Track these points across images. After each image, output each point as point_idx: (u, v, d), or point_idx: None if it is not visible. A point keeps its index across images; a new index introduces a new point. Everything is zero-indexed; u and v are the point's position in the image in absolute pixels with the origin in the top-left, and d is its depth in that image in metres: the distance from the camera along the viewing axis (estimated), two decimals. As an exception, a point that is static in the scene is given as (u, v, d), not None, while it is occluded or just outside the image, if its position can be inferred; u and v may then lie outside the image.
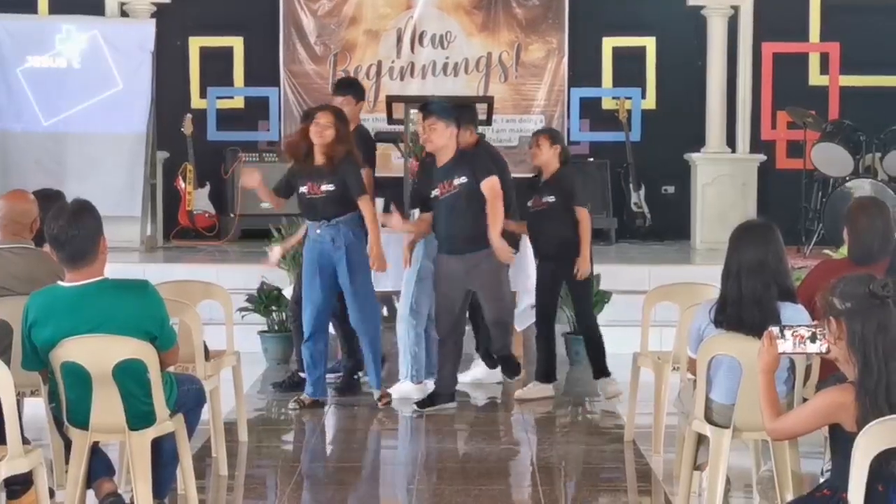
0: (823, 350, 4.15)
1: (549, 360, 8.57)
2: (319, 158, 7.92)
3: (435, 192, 7.94)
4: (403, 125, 10.18)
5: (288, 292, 9.32)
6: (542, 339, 8.53)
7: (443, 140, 7.89)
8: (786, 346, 4.21)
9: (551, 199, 8.32)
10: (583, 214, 8.36)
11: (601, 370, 8.46)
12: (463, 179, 7.89)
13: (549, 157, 8.39)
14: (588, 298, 8.57)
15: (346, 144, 7.96)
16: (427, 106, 8.13)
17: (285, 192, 8.21)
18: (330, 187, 7.90)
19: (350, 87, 9.10)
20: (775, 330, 4.24)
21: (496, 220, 7.88)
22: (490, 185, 7.89)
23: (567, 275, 8.41)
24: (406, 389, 8.38)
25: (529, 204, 8.42)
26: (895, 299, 4.00)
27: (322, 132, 7.87)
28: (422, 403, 8.11)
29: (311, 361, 8.14)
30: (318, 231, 7.98)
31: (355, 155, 8.03)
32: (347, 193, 7.91)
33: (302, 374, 8.58)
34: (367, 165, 8.60)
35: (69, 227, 5.07)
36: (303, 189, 7.96)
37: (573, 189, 8.37)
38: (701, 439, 5.58)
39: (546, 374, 8.54)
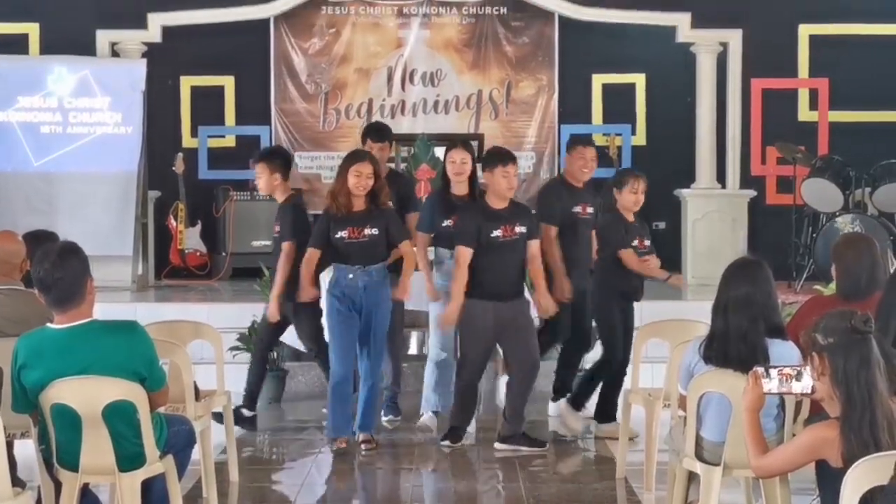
0: (808, 390, 4.16)
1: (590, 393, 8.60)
2: (360, 204, 7.95)
3: (496, 233, 7.96)
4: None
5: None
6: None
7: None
8: (771, 385, 4.23)
9: (648, 242, 8.40)
10: None
11: (610, 415, 8.42)
12: (523, 229, 8.01)
13: None
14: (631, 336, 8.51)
15: (385, 188, 8.06)
16: (509, 153, 8.25)
17: (325, 242, 8.07)
18: (374, 231, 7.93)
19: (388, 134, 9.20)
20: (760, 369, 4.25)
21: (542, 278, 8.15)
22: (538, 247, 8.14)
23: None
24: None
25: (636, 244, 8.36)
26: (877, 334, 4.03)
27: (367, 183, 7.91)
28: (454, 439, 8.17)
29: (341, 402, 8.03)
30: (351, 276, 7.95)
31: (388, 196, 8.15)
32: (387, 238, 7.97)
33: (245, 412, 8.52)
34: (411, 208, 8.79)
35: (55, 269, 5.07)
36: (341, 234, 7.91)
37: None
38: (692, 476, 5.59)
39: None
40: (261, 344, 8.87)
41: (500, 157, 8.15)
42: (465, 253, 7.99)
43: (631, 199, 8.34)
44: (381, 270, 8.01)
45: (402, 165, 11.35)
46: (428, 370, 8.56)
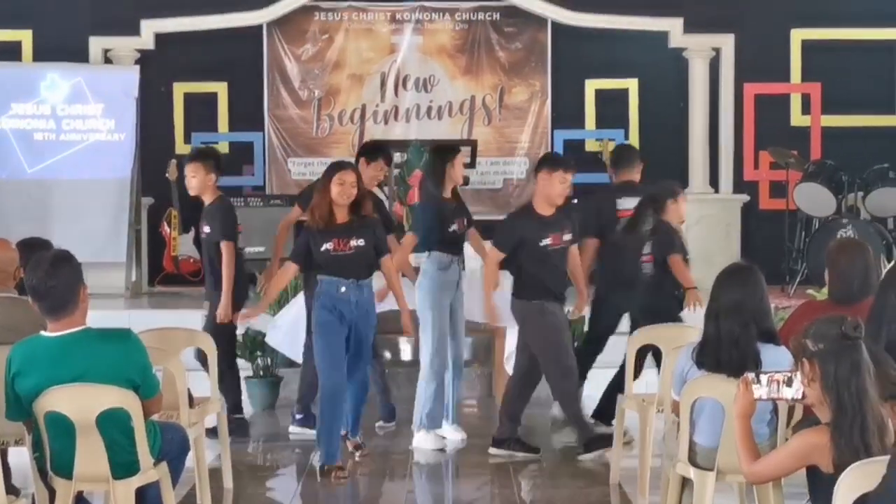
0: (799, 396, 4.17)
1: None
2: (343, 215, 7.70)
3: (546, 242, 7.98)
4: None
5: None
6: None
7: None
8: (761, 391, 4.23)
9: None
10: None
11: (608, 416, 8.35)
12: (569, 237, 8.10)
13: None
14: None
15: (368, 199, 7.91)
16: (572, 161, 8.31)
17: (306, 259, 7.87)
18: (360, 242, 7.68)
19: (386, 151, 9.21)
20: (751, 375, 4.26)
21: (583, 278, 8.43)
22: (577, 249, 8.32)
23: None
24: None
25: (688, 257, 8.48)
26: (868, 340, 4.03)
27: (351, 192, 7.68)
28: (589, 448, 8.03)
29: (335, 418, 7.74)
30: (343, 289, 7.70)
31: (371, 210, 8.01)
32: (374, 249, 7.80)
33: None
34: (390, 229, 8.72)
35: (48, 277, 5.08)
36: (326, 247, 7.66)
37: None
38: (686, 482, 5.59)
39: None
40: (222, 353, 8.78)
41: (564, 162, 8.20)
42: (495, 255, 8.10)
43: (684, 209, 8.37)
44: (370, 286, 7.84)
45: (396, 171, 11.34)
46: (429, 389, 8.33)
